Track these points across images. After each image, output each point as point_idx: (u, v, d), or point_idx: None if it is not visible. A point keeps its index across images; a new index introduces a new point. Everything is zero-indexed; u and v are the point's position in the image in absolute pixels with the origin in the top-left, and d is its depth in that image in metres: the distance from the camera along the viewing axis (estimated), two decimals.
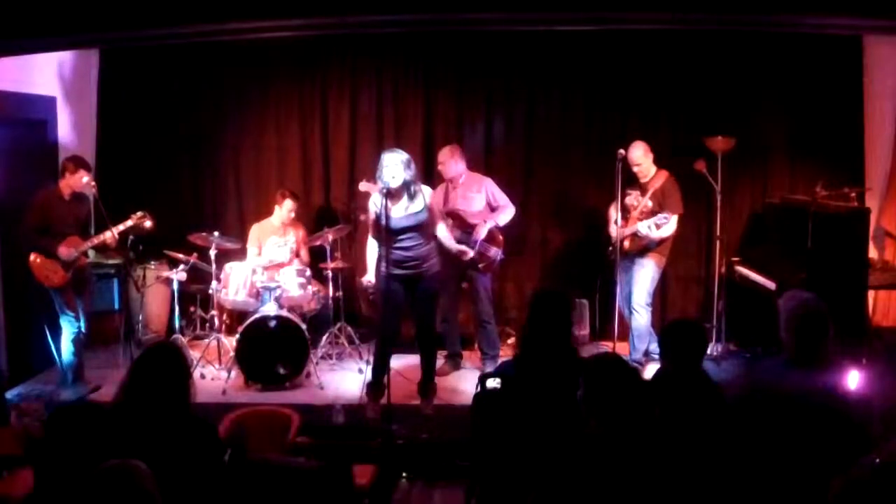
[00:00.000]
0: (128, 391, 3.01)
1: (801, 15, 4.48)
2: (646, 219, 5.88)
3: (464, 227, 6.02)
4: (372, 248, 5.45)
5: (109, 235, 5.59)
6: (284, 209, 6.48)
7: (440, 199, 6.17)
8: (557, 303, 3.73)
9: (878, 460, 2.16)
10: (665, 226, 5.82)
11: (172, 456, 2.71)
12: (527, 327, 3.75)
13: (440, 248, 6.19)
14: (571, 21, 5.11)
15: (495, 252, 6.09)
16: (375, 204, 5.18)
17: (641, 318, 6.00)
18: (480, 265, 6.07)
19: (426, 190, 5.30)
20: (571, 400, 2.95)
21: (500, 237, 6.14)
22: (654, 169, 6.01)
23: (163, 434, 2.86)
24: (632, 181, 6.06)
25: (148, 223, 5.75)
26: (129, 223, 5.69)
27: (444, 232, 5.50)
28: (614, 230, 6.04)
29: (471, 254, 5.85)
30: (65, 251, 5.51)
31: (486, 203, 6.12)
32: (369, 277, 5.50)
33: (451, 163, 6.10)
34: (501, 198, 6.14)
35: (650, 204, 5.93)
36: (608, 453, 2.71)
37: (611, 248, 6.07)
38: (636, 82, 6.96)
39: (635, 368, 3.10)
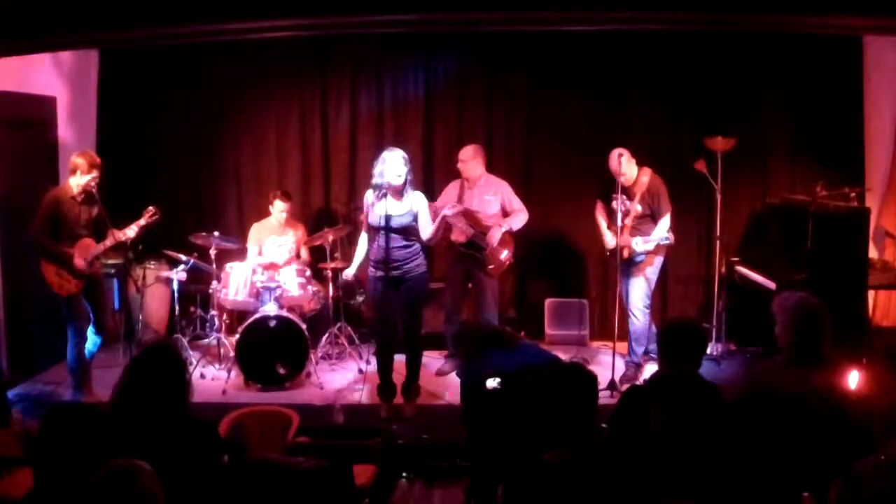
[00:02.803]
0: (124, 391, 3.01)
1: (801, 15, 4.48)
2: (638, 225, 5.83)
3: (478, 228, 6.04)
4: (362, 244, 5.47)
5: (125, 236, 5.49)
6: (276, 210, 6.48)
7: (453, 196, 6.18)
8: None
9: (882, 458, 2.15)
10: (651, 240, 5.79)
11: (171, 455, 2.71)
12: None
13: (450, 249, 6.20)
14: (571, 21, 5.11)
15: (506, 256, 6.11)
16: (368, 200, 5.29)
17: (638, 321, 5.98)
18: (490, 267, 6.08)
19: (418, 195, 5.34)
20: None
21: (511, 241, 6.16)
22: (636, 170, 5.88)
23: (161, 434, 2.86)
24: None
25: (158, 217, 5.68)
26: (142, 221, 5.57)
27: (427, 228, 5.37)
28: (607, 235, 6.00)
29: (456, 209, 5.75)
30: (80, 262, 5.37)
31: (501, 207, 6.14)
32: (350, 272, 5.52)
33: (474, 163, 6.11)
34: (516, 203, 6.17)
35: (639, 208, 5.85)
36: (609, 457, 2.71)
37: (609, 253, 6.05)
38: (636, 82, 6.97)
39: (593, 380, 3.05)
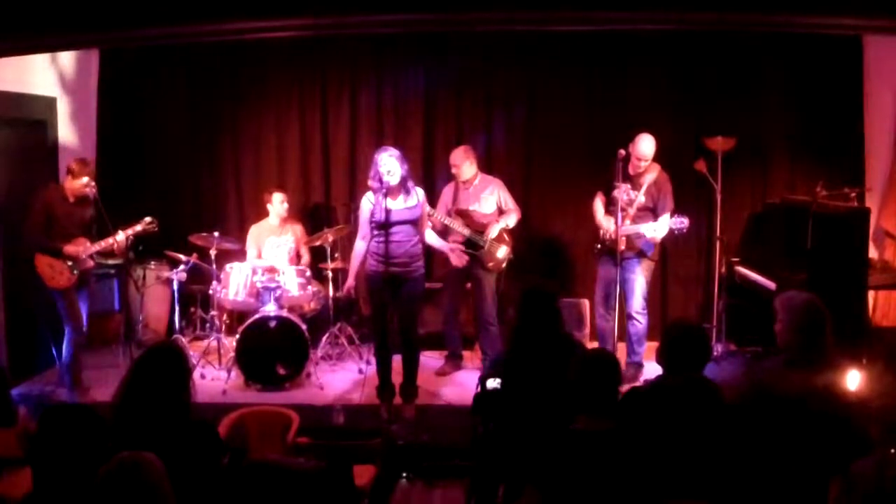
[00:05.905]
0: (128, 391, 3.01)
1: (801, 15, 4.48)
2: (637, 216, 5.80)
3: (475, 227, 6.05)
4: (356, 253, 5.42)
5: (122, 239, 5.58)
6: (276, 204, 6.47)
7: (449, 197, 6.20)
8: (545, 300, 3.96)
9: (893, 450, 2.16)
10: (662, 227, 5.79)
11: (172, 456, 2.71)
12: (518, 324, 4.02)
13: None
14: (571, 21, 5.10)
15: (505, 252, 6.12)
16: (370, 201, 5.27)
17: (641, 323, 5.99)
18: (489, 264, 6.08)
19: (419, 190, 5.36)
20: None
21: (508, 237, 6.18)
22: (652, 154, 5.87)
23: (162, 434, 2.86)
24: (623, 174, 5.82)
25: (155, 228, 5.74)
26: (139, 228, 5.65)
27: (432, 236, 5.53)
28: (604, 222, 5.96)
29: (454, 259, 5.96)
30: (72, 249, 5.47)
31: (497, 205, 6.16)
32: (350, 283, 5.49)
33: (466, 165, 6.11)
34: (511, 202, 6.20)
35: (643, 199, 5.84)
36: (600, 450, 2.72)
37: (598, 246, 6.03)
38: (636, 82, 6.96)
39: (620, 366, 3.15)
